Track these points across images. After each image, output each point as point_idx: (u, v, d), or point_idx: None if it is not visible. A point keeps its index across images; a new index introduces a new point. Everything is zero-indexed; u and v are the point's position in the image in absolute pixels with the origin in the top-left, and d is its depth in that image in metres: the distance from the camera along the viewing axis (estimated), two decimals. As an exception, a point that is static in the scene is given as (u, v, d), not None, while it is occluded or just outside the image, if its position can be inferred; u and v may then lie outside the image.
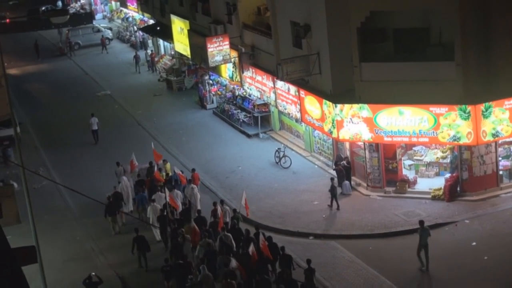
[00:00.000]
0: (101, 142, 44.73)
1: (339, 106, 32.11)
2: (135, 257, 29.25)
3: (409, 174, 33.38)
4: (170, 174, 34.82)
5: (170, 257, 27.27)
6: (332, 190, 31.95)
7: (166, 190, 31.53)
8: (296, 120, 38.57)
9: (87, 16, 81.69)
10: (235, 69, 43.48)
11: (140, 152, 38.05)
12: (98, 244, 31.67)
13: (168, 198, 30.81)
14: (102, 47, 70.22)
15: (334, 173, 34.36)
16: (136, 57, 61.48)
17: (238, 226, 29.06)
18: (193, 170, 34.93)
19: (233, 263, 25.49)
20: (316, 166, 36.97)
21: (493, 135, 30.20)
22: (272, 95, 39.12)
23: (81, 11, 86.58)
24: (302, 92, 35.25)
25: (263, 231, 28.27)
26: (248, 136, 42.51)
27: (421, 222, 26.94)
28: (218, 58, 42.61)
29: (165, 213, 30.41)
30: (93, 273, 25.97)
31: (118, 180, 34.74)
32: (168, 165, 36.12)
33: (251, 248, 25.73)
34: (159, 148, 39.82)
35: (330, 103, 32.61)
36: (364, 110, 31.51)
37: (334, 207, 31.88)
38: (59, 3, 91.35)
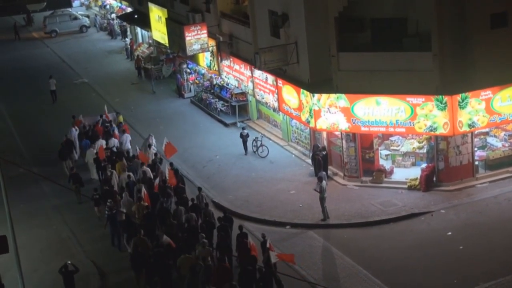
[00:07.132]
0: (59, 103, 50.23)
1: (316, 95, 32.16)
2: (110, 241, 30.19)
3: (385, 164, 33.50)
4: (123, 123, 41.41)
5: (101, 187, 32.71)
6: (242, 137, 37.55)
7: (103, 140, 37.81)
8: (274, 110, 38.56)
9: (64, 1, 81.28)
10: (213, 58, 43.37)
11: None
12: (74, 232, 31.56)
13: (104, 145, 36.96)
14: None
15: (310, 161, 34.62)
16: (139, 67, 54.72)
17: (160, 165, 34.14)
18: (124, 120, 42.13)
19: (144, 190, 30.85)
20: (293, 156, 37.01)
21: (469, 125, 30.39)
22: (250, 84, 39.09)
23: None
24: (280, 82, 35.26)
25: (177, 168, 33.67)
26: (226, 125, 42.45)
27: (320, 178, 30.16)
28: (196, 46, 42.52)
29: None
30: (69, 262, 25.87)
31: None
32: (120, 117, 42.34)
33: (156, 179, 32.12)
34: (136, 137, 39.74)
35: (308, 93, 32.65)
36: (341, 100, 31.57)
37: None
38: None
